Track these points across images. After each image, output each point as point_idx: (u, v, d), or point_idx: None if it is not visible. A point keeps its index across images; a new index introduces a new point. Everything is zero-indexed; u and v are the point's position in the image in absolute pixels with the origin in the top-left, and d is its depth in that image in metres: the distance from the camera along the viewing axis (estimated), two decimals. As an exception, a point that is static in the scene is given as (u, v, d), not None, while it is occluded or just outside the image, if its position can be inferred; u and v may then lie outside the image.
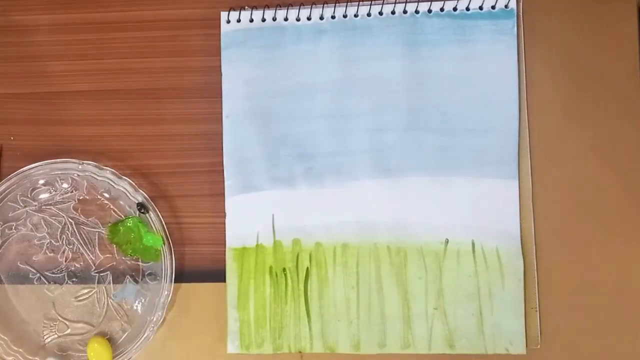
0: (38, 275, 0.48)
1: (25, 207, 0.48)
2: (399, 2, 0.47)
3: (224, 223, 0.48)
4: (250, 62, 0.48)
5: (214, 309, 0.47)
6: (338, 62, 0.47)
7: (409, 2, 0.47)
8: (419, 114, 0.47)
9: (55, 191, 0.49)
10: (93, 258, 0.48)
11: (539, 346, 0.45)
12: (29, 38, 0.50)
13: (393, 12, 0.47)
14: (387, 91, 0.47)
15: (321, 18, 0.48)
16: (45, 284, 0.48)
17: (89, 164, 0.47)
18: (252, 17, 0.48)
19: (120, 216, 0.48)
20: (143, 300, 0.48)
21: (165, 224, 0.47)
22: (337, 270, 0.47)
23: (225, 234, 0.47)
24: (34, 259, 0.49)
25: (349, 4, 0.47)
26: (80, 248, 0.48)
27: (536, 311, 0.46)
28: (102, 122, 0.49)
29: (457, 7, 0.47)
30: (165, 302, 0.46)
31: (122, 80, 0.49)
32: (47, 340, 0.48)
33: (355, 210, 0.47)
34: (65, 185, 0.48)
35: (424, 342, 0.46)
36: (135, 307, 0.48)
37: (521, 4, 0.47)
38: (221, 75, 0.48)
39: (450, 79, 0.46)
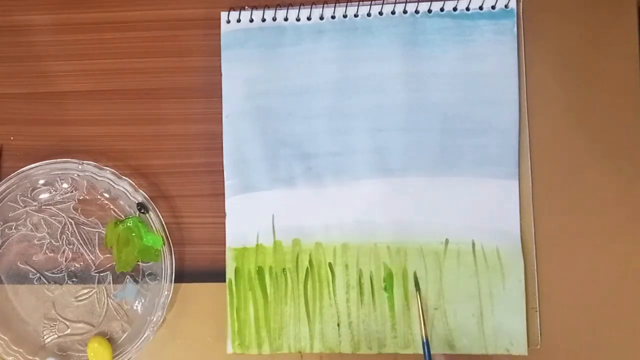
0: (38, 275, 0.48)
1: (25, 207, 0.48)
2: (399, 2, 0.47)
3: (224, 223, 0.48)
4: (250, 62, 0.48)
5: (214, 309, 0.47)
6: (338, 62, 0.47)
7: (409, 2, 0.47)
8: (419, 114, 0.47)
9: (55, 191, 0.49)
10: (93, 258, 0.48)
11: (539, 346, 0.45)
12: (29, 38, 0.50)
13: (393, 12, 0.47)
14: (387, 91, 0.47)
15: (321, 18, 0.48)
16: (45, 284, 0.48)
17: (89, 164, 0.47)
18: (252, 17, 0.48)
19: (120, 216, 0.48)
20: (143, 300, 0.48)
21: (165, 224, 0.47)
22: (337, 270, 0.47)
23: (225, 234, 0.47)
24: (34, 259, 0.49)
25: (349, 4, 0.47)
26: (80, 248, 0.48)
27: (536, 311, 0.46)
28: (102, 122, 0.49)
29: (457, 7, 0.47)
30: (165, 302, 0.46)
31: (122, 80, 0.49)
32: (47, 340, 0.48)
33: (355, 210, 0.47)
34: (65, 185, 0.48)
35: (424, 342, 0.46)
36: (135, 307, 0.48)
37: (521, 4, 0.47)
38: (221, 75, 0.48)
39: (450, 79, 0.46)
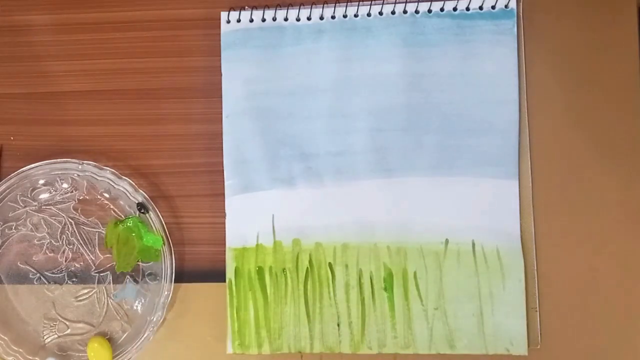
0: (38, 275, 0.48)
1: (25, 207, 0.48)
2: (399, 2, 0.47)
3: (224, 223, 0.48)
4: (250, 62, 0.48)
5: (214, 309, 0.47)
6: (338, 62, 0.47)
7: (409, 2, 0.47)
8: (419, 113, 0.47)
9: (55, 191, 0.49)
10: (93, 258, 0.48)
11: (539, 346, 0.45)
12: (29, 38, 0.50)
13: (393, 12, 0.47)
14: (387, 91, 0.47)
15: (321, 18, 0.48)
16: (45, 284, 0.48)
17: (89, 164, 0.47)
18: (252, 17, 0.48)
19: (120, 216, 0.48)
20: (143, 300, 0.48)
21: (165, 224, 0.47)
22: (337, 270, 0.47)
23: (225, 234, 0.47)
24: (34, 259, 0.49)
25: (349, 4, 0.47)
26: (80, 248, 0.48)
27: (536, 311, 0.46)
28: (102, 122, 0.49)
29: (457, 7, 0.47)
30: (165, 302, 0.46)
31: (122, 80, 0.49)
32: (47, 340, 0.48)
33: (355, 210, 0.47)
34: (65, 185, 0.48)
35: (424, 342, 0.46)
36: (135, 307, 0.48)
37: (521, 4, 0.47)
38: (221, 75, 0.48)
39: (450, 79, 0.46)
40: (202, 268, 0.48)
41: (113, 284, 0.48)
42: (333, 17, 0.47)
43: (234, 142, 0.48)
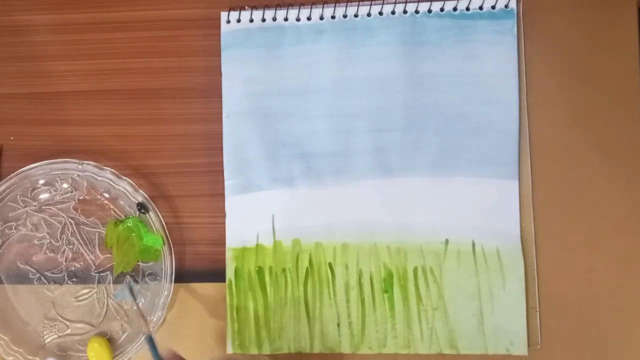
0: (38, 275, 0.49)
1: (25, 207, 0.48)
2: (399, 2, 0.47)
3: (224, 223, 0.48)
4: (250, 62, 0.48)
5: (214, 309, 0.47)
6: (338, 62, 0.47)
7: (409, 2, 0.47)
8: (419, 114, 0.47)
9: (55, 191, 0.49)
10: (93, 258, 0.48)
11: (539, 346, 0.45)
12: (29, 38, 0.50)
13: (393, 12, 0.47)
14: (387, 91, 0.47)
15: (321, 18, 0.48)
16: (45, 284, 0.48)
17: (89, 164, 0.47)
18: (252, 17, 0.48)
19: (120, 216, 0.48)
20: (143, 300, 0.48)
21: (165, 224, 0.47)
22: (337, 270, 0.47)
23: (225, 234, 0.47)
24: (34, 259, 0.49)
25: (349, 4, 0.47)
26: (80, 248, 0.48)
27: (536, 311, 0.46)
28: (102, 122, 0.49)
29: (457, 7, 0.47)
30: (165, 302, 0.46)
31: (122, 80, 0.49)
32: (47, 340, 0.48)
33: (355, 210, 0.47)
34: (65, 185, 0.49)
35: (424, 342, 0.46)
36: (135, 307, 0.48)
37: (521, 4, 0.47)
38: (221, 75, 0.48)
39: (450, 79, 0.46)
40: (202, 268, 0.48)
41: (113, 284, 0.48)
42: (333, 17, 0.47)
43: (234, 142, 0.48)
